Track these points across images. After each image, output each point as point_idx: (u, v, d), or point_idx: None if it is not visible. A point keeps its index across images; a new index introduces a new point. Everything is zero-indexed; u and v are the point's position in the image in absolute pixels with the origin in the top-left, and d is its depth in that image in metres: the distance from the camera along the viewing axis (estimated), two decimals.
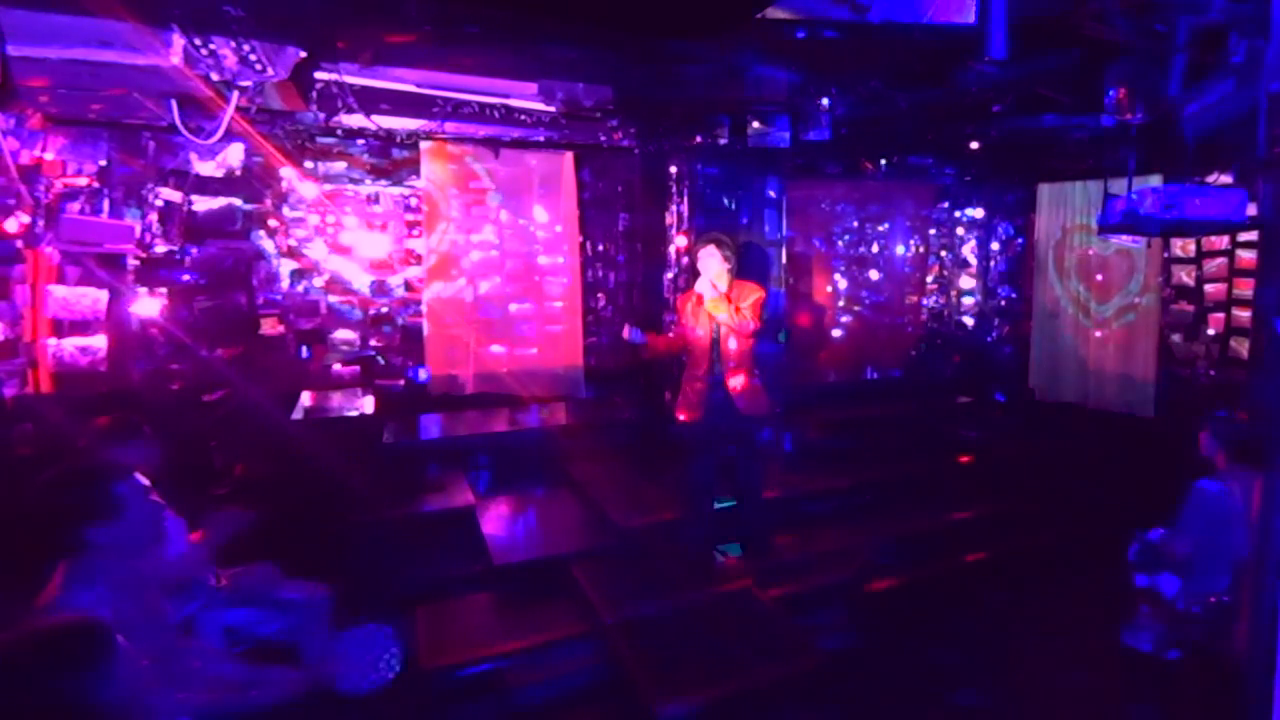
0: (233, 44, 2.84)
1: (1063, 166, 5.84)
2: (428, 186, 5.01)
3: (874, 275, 7.53)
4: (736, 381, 3.64)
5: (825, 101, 4.06)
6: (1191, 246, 5.28)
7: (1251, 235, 4.69)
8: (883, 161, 6.03)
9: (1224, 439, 2.97)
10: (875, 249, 7.54)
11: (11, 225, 3.32)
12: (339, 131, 4.49)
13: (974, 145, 5.36)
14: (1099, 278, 5.79)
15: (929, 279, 7.21)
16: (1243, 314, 4.94)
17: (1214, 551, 2.88)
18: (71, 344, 3.72)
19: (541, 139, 4.84)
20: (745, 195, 5.64)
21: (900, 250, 7.35)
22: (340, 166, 4.99)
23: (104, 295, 3.83)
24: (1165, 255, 5.41)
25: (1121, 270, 5.65)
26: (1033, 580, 4.15)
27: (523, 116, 4.37)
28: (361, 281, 5.15)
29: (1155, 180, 4.65)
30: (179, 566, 2.50)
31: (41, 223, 3.49)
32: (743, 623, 3.35)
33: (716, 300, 3.55)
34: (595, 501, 4.20)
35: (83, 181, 3.78)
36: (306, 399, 4.57)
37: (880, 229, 7.45)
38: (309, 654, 2.64)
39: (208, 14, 2.65)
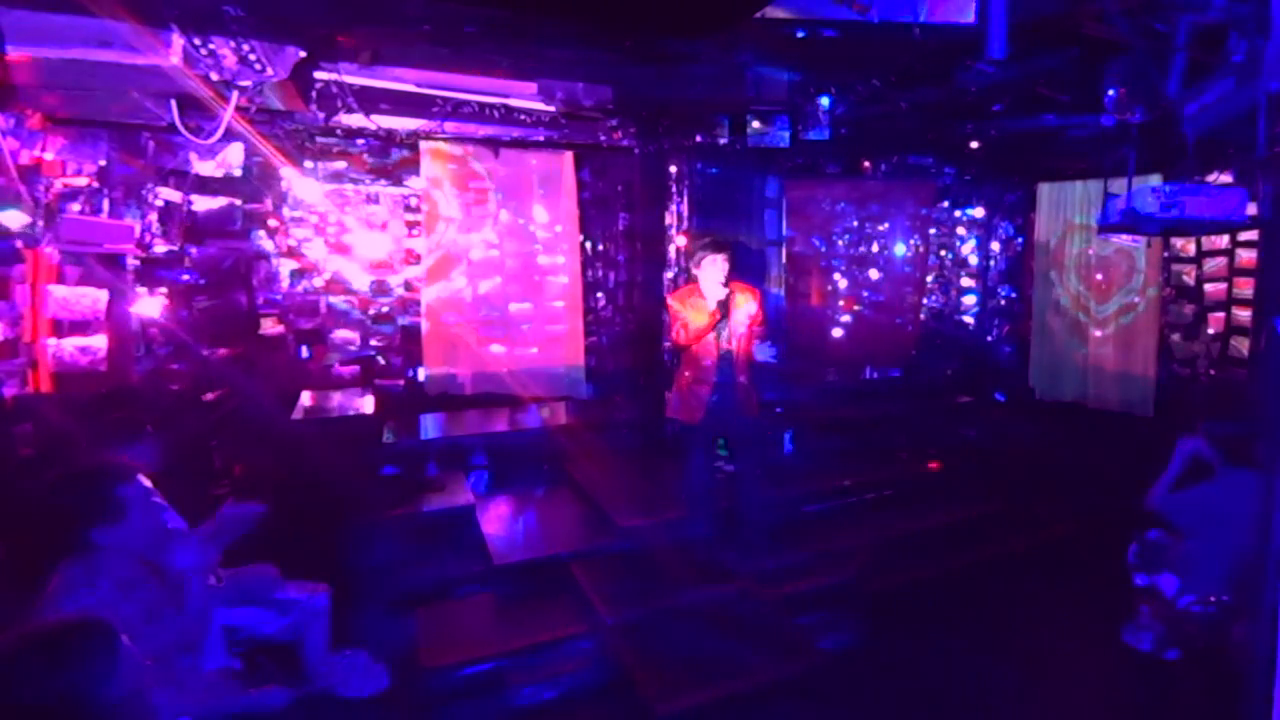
0: (232, 44, 2.85)
1: (1062, 166, 5.83)
2: (427, 186, 5.01)
3: (874, 275, 7.51)
4: (735, 382, 3.66)
5: (825, 101, 4.06)
6: (1191, 246, 5.28)
7: (1251, 235, 4.69)
8: (882, 162, 6.03)
9: (1219, 440, 2.99)
10: (875, 249, 7.52)
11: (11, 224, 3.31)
12: (339, 131, 4.49)
13: (974, 145, 5.36)
14: (1099, 277, 5.78)
15: (929, 279, 7.20)
16: (1243, 313, 4.94)
17: (1214, 551, 2.89)
18: (71, 344, 3.71)
19: (541, 139, 4.84)
20: (745, 195, 5.65)
21: (900, 250, 7.33)
22: (340, 166, 4.99)
23: (104, 295, 3.82)
24: (1165, 255, 5.41)
25: (1121, 270, 5.64)
26: (1033, 580, 4.15)
27: (522, 116, 4.37)
28: (361, 281, 5.14)
29: (1155, 180, 4.65)
30: (180, 567, 2.49)
31: (41, 223, 3.48)
32: (743, 623, 3.36)
33: (732, 302, 3.60)
34: (595, 501, 4.20)
35: (82, 181, 3.77)
36: (306, 399, 4.57)
37: (880, 229, 7.43)
38: (309, 654, 2.65)
39: (207, 14, 2.65)
